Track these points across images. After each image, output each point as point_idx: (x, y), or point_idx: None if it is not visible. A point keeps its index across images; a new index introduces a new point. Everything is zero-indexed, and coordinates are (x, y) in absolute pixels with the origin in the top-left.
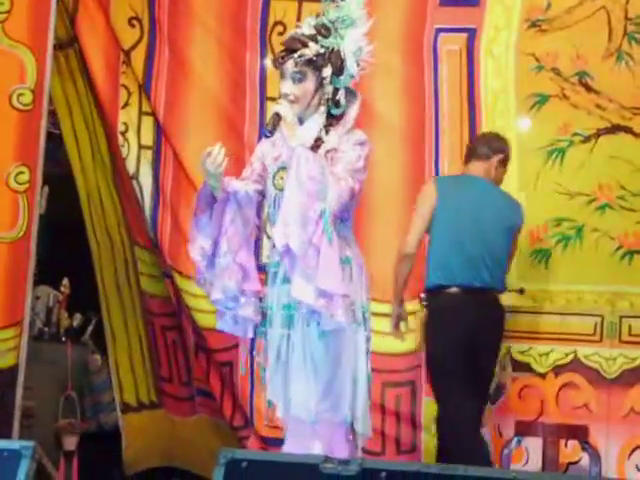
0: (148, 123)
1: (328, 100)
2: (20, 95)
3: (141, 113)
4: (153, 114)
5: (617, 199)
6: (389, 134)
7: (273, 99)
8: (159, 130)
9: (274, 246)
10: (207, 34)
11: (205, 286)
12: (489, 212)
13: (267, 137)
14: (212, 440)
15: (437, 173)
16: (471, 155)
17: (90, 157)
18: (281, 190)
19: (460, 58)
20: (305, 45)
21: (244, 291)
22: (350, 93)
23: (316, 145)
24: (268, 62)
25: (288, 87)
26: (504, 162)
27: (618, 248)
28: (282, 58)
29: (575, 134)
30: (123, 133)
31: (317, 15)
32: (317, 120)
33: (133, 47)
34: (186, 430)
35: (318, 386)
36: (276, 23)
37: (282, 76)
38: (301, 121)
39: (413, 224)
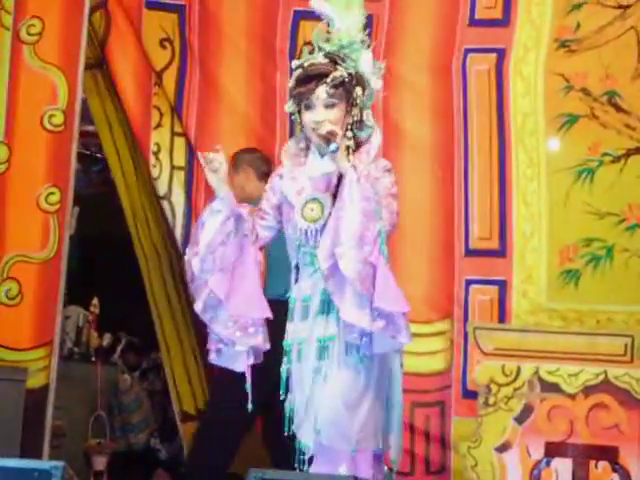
0: (180, 144)
1: (355, 123)
2: (51, 116)
3: (173, 134)
4: (185, 135)
5: None
6: (418, 154)
7: None
8: (191, 150)
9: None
10: (237, 54)
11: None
12: None
13: (330, 152)
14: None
15: (466, 193)
16: None
17: (133, 174)
18: (313, 221)
19: (489, 78)
20: (334, 69)
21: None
22: (375, 125)
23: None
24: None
25: (320, 115)
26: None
27: None
28: (310, 87)
29: (605, 154)
30: (156, 154)
31: (311, 50)
32: (345, 144)
33: (165, 68)
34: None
35: (358, 414)
36: (305, 43)
37: (307, 107)
38: (321, 151)
39: None
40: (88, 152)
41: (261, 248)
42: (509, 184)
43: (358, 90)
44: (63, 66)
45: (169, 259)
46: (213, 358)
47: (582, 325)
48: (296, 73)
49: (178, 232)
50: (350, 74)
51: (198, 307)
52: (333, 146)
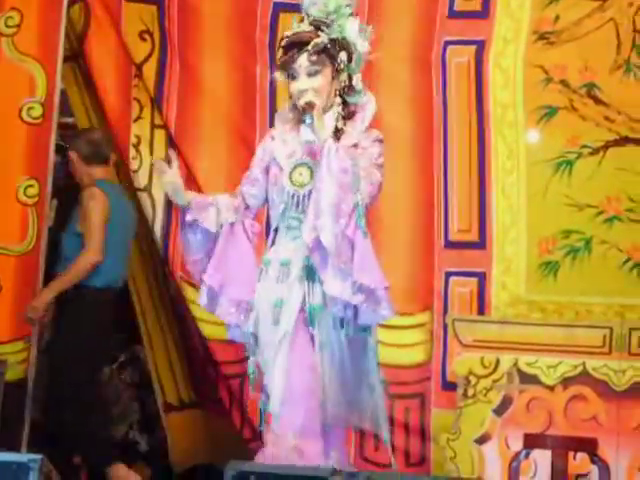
0: (160, 136)
1: (343, 89)
2: (30, 109)
3: (153, 126)
4: (165, 127)
5: (625, 211)
6: (398, 146)
7: None
8: (172, 143)
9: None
10: (217, 47)
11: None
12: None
13: (306, 124)
14: (244, 443)
15: (446, 185)
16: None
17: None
18: (300, 186)
19: (468, 70)
20: (315, 36)
21: None
22: (364, 91)
23: (336, 136)
24: (278, 75)
25: (304, 83)
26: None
27: (627, 260)
28: (292, 55)
29: (584, 146)
30: (136, 146)
31: (301, 19)
32: (334, 111)
33: (144, 60)
34: (221, 431)
35: (342, 389)
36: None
37: (293, 76)
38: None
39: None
40: (66, 145)
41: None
42: (488, 176)
43: (342, 55)
44: (42, 58)
45: (151, 252)
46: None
47: (561, 317)
48: (282, 43)
49: (158, 224)
50: (332, 39)
51: (203, 301)
52: (308, 118)
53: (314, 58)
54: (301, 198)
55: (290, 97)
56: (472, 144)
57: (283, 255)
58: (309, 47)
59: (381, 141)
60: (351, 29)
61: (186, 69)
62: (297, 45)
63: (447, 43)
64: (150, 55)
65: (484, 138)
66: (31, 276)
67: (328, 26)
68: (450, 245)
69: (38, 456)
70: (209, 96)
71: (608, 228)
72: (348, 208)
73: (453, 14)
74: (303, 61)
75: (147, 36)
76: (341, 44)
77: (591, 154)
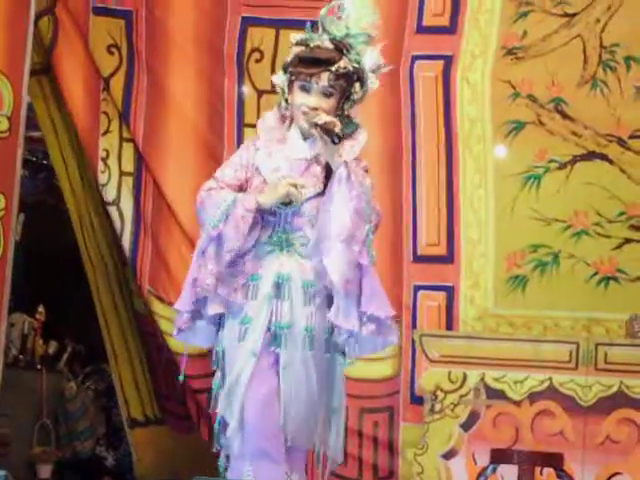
0: (129, 150)
1: (342, 117)
2: None
3: (122, 140)
4: (133, 140)
5: (593, 225)
6: (366, 161)
7: (251, 125)
8: (139, 156)
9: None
10: (185, 61)
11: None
12: None
13: (335, 144)
14: (211, 459)
15: (414, 199)
16: None
17: (79, 181)
18: (288, 204)
19: (436, 85)
20: (340, 58)
21: None
22: (358, 123)
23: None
24: (245, 89)
25: (316, 101)
26: None
27: (594, 274)
28: (313, 69)
29: (551, 161)
30: (104, 159)
31: (315, 30)
32: None
33: (112, 74)
34: (187, 447)
35: (301, 409)
36: (253, 50)
37: (304, 89)
38: (305, 133)
39: None
40: (34, 158)
41: None
42: (456, 190)
43: (357, 85)
44: (8, 72)
45: (115, 267)
46: (182, 335)
47: (529, 331)
48: (298, 50)
49: (126, 238)
50: (354, 67)
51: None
52: (335, 138)
53: (333, 81)
54: (282, 216)
55: (287, 105)
56: (440, 158)
57: (252, 271)
58: (333, 68)
59: (368, 171)
60: (369, 60)
61: (154, 83)
62: (322, 62)
63: (415, 58)
64: (118, 69)
65: (452, 152)
66: None
67: (348, 51)
68: (419, 259)
69: (2, 472)
70: (177, 109)
71: (576, 242)
72: (362, 235)
73: (421, 29)
74: (323, 80)
75: (115, 50)
76: (359, 75)
77: (559, 168)
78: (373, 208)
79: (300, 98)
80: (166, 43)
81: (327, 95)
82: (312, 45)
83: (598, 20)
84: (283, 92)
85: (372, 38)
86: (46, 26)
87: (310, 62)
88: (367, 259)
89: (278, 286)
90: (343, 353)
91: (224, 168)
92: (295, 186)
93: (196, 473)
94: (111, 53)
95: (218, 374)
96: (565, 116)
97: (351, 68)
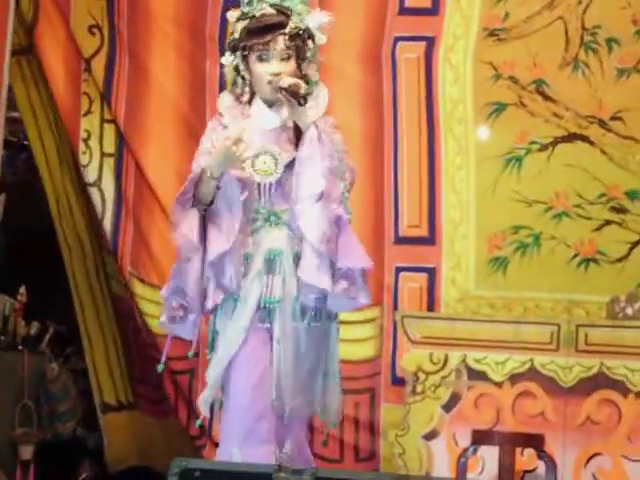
0: (110, 131)
1: (302, 77)
2: None
3: (103, 121)
4: (114, 121)
5: (573, 207)
6: (348, 142)
7: None
8: (121, 138)
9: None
10: (166, 41)
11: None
12: None
13: (301, 105)
14: (184, 444)
15: (396, 181)
16: None
17: (57, 163)
18: (267, 175)
19: (418, 66)
20: (288, 20)
21: None
22: (317, 81)
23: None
24: (227, 58)
25: (277, 67)
26: None
27: (574, 256)
28: (267, 37)
29: (532, 142)
30: (85, 140)
31: (249, 1)
32: None
33: (94, 55)
34: (160, 432)
35: (297, 380)
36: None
37: (262, 58)
38: (269, 102)
39: None
40: (15, 139)
41: None
42: (438, 172)
43: (309, 43)
44: None
45: (92, 249)
46: (168, 326)
47: (510, 312)
48: (245, 23)
49: (108, 219)
50: (304, 26)
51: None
52: (299, 101)
53: (289, 42)
54: (266, 188)
55: (244, 80)
56: (422, 140)
57: (244, 250)
58: (286, 30)
59: (337, 127)
60: (311, 18)
61: (135, 64)
62: (274, 27)
63: (397, 39)
64: (99, 50)
65: (434, 134)
66: None
67: (292, 12)
68: (400, 240)
69: None
70: (158, 91)
71: (556, 224)
72: (338, 193)
73: (403, 11)
74: (279, 44)
75: (96, 30)
76: (309, 32)
77: (540, 150)
78: (347, 165)
79: (260, 68)
80: (147, 24)
81: (286, 59)
82: (258, 15)
83: (580, 2)
84: (238, 70)
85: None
86: (27, 6)
87: (262, 30)
88: (345, 216)
89: (270, 262)
90: (336, 317)
91: (198, 158)
92: (236, 142)
93: (171, 457)
94: (92, 34)
95: (212, 354)
96: (546, 98)
97: (301, 27)
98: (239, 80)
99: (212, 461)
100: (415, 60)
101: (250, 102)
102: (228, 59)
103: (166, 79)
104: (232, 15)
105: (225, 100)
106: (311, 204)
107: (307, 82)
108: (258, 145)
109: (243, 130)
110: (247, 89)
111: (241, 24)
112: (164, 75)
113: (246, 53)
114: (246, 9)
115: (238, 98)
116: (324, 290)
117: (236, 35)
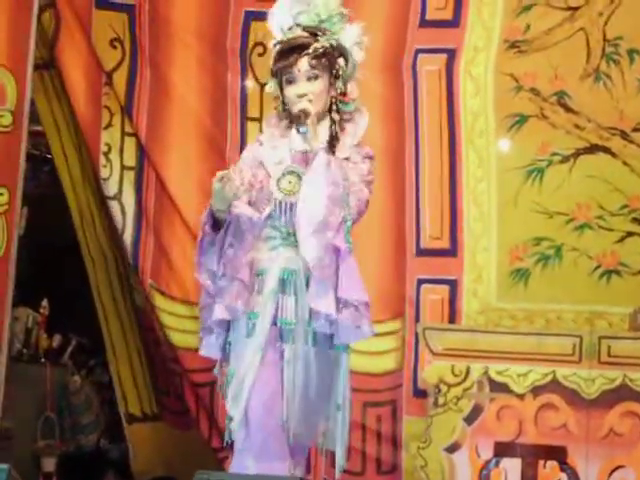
0: (131, 144)
1: (339, 95)
2: (0, 117)
3: (124, 134)
4: (135, 135)
5: (595, 219)
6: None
7: (253, 119)
8: (142, 151)
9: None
10: (188, 54)
11: (204, 309)
12: None
13: (300, 133)
14: (207, 456)
15: (417, 193)
16: None
17: (80, 176)
18: (289, 194)
19: (439, 79)
20: (315, 40)
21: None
22: (358, 108)
23: (331, 146)
24: (249, 82)
25: (303, 87)
26: None
27: (596, 268)
28: (293, 59)
29: (554, 154)
30: (106, 154)
31: (290, 28)
32: (330, 119)
33: (115, 68)
34: (183, 444)
35: (303, 405)
36: (256, 44)
37: (289, 81)
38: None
39: None
40: (38, 152)
41: None
42: (459, 184)
43: (341, 61)
44: (12, 66)
45: (115, 261)
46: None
47: (531, 324)
48: (276, 49)
49: (128, 232)
50: (331, 45)
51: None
52: (303, 129)
53: (314, 62)
54: (287, 207)
55: (284, 107)
56: (443, 152)
57: (260, 265)
58: (310, 50)
59: (371, 158)
60: (347, 36)
61: (157, 77)
62: (297, 49)
63: (418, 51)
64: (120, 63)
65: (455, 146)
66: (1, 284)
67: (323, 33)
68: (422, 252)
69: (5, 465)
70: (180, 104)
71: (578, 235)
72: (336, 221)
73: (424, 23)
74: (303, 65)
75: (117, 44)
76: (339, 50)
77: (561, 162)
78: (356, 193)
79: (288, 90)
80: (169, 37)
81: (312, 78)
82: (287, 39)
83: (601, 13)
84: (278, 97)
85: (345, 16)
86: (48, 20)
87: (287, 53)
88: (344, 244)
89: (283, 282)
90: (348, 348)
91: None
92: (221, 180)
93: (194, 469)
94: (114, 47)
95: (227, 369)
96: (568, 109)
97: (327, 46)
98: (280, 107)
99: (234, 474)
100: (436, 72)
101: (290, 124)
102: (270, 87)
103: (187, 92)
104: (272, 43)
105: (270, 120)
106: (309, 232)
107: (344, 102)
108: (287, 164)
109: (234, 169)
110: (285, 114)
111: (275, 49)
112: (185, 88)
113: (279, 79)
114: (282, 36)
115: (279, 120)
116: (329, 315)
117: (271, 62)
